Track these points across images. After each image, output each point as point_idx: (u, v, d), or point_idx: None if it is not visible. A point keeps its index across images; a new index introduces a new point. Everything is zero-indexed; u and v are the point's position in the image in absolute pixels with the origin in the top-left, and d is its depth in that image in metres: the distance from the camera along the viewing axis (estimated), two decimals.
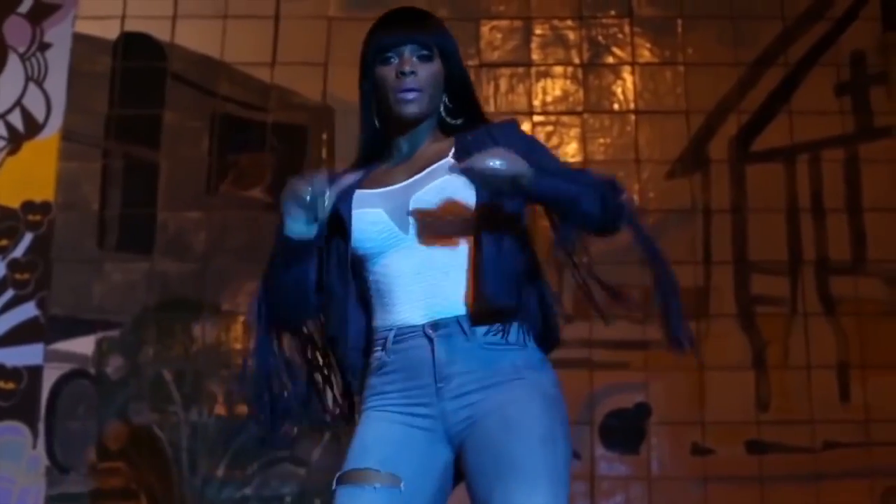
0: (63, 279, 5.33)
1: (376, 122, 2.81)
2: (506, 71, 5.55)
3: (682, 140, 5.44)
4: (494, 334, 2.63)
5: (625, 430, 5.18)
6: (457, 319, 2.62)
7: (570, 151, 5.44)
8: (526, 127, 5.42)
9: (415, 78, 2.71)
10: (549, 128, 5.47)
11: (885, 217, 5.36)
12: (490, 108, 5.46)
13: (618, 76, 5.54)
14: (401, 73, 2.70)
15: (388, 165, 2.81)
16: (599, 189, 2.68)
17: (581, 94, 5.52)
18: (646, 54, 5.56)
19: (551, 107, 5.50)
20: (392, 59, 2.73)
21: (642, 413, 5.18)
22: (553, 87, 5.53)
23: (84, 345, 5.26)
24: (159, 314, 5.28)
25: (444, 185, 2.65)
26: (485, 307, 2.62)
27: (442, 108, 2.82)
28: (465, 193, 2.63)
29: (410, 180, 2.71)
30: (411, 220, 2.66)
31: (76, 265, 5.35)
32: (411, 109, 2.73)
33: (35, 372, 5.22)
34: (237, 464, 5.12)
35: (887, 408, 5.14)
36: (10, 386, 5.20)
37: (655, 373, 5.19)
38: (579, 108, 5.50)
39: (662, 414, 5.18)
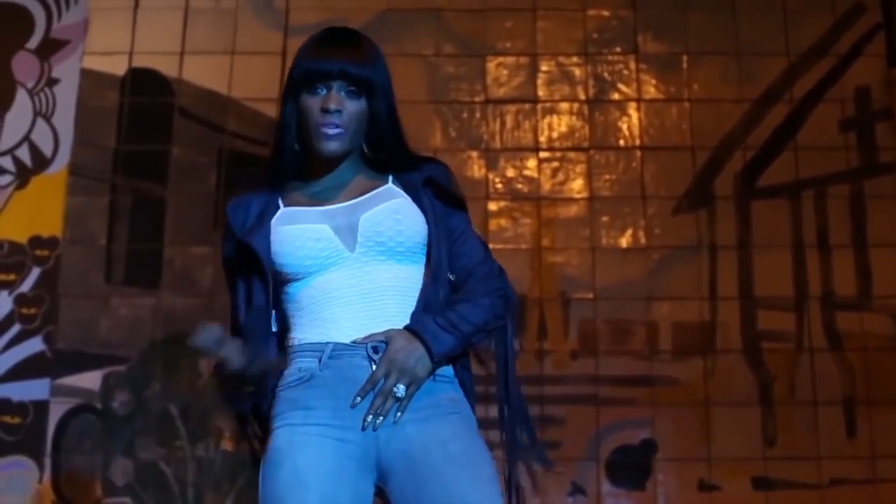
0: (70, 314, 5.33)
1: (296, 146, 2.69)
2: (512, 107, 5.57)
3: (687, 176, 5.45)
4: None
5: (631, 466, 5.17)
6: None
7: (575, 187, 5.45)
8: (532, 163, 5.45)
9: (339, 116, 2.61)
10: (555, 164, 5.48)
11: (890, 253, 5.37)
12: (496, 143, 5.49)
13: (623, 112, 5.55)
14: (325, 110, 2.61)
15: (308, 189, 2.71)
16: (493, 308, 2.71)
17: (587, 130, 5.53)
18: (651, 91, 5.58)
19: (557, 143, 5.52)
20: (319, 91, 2.63)
21: (648, 449, 5.17)
22: (559, 124, 5.55)
23: (90, 380, 5.26)
24: (166, 349, 5.28)
25: (397, 207, 2.63)
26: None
27: (364, 143, 2.72)
28: (416, 218, 2.63)
29: (352, 202, 2.65)
30: (360, 238, 2.59)
31: (83, 300, 5.36)
32: (332, 147, 2.63)
33: (41, 406, 5.22)
34: (243, 499, 5.11)
35: (893, 444, 5.14)
36: (17, 420, 5.20)
37: (661, 409, 5.19)
38: (585, 144, 5.51)
39: (669, 450, 5.17)
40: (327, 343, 2.57)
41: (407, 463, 2.50)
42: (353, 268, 2.59)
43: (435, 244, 2.65)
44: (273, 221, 2.64)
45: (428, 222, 2.66)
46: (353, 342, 2.56)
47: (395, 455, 2.51)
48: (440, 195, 2.73)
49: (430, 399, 2.56)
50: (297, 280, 2.62)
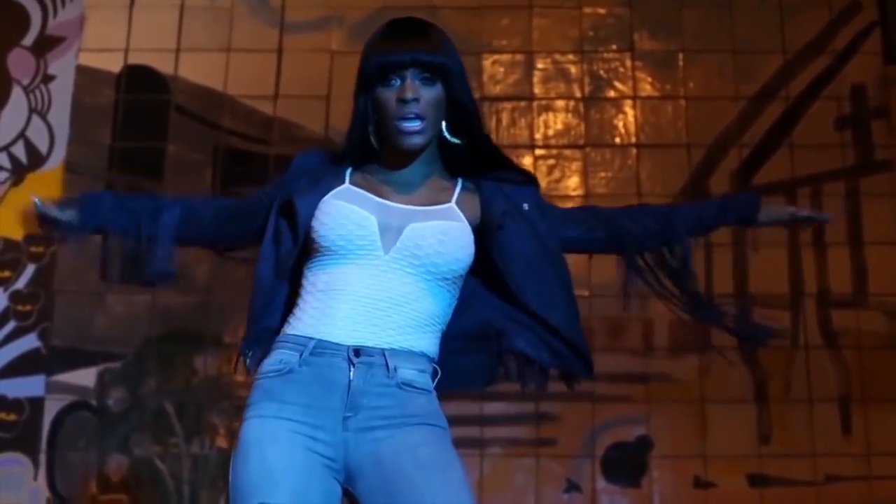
0: (65, 311, 5.33)
1: (373, 141, 2.68)
2: (508, 104, 5.57)
3: (683, 173, 5.46)
4: (414, 377, 2.58)
5: (626, 463, 5.17)
6: (382, 352, 2.54)
7: (571, 185, 5.45)
8: (528, 161, 5.45)
9: (417, 105, 2.58)
10: (551, 161, 5.48)
11: (886, 250, 5.37)
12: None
13: (619, 110, 5.56)
14: (402, 101, 2.58)
15: (382, 176, 2.70)
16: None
17: (583, 127, 5.54)
18: (647, 88, 5.58)
19: (553, 140, 5.52)
20: (394, 82, 2.61)
21: (644, 446, 5.18)
22: (555, 121, 5.55)
23: (86, 376, 5.26)
24: (161, 346, 5.29)
25: (446, 229, 2.60)
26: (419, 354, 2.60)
27: (444, 126, 2.67)
28: (461, 247, 2.61)
29: (411, 207, 2.63)
30: (399, 244, 2.57)
31: (78, 297, 5.36)
32: (413, 141, 2.61)
33: (37, 403, 5.22)
34: None
35: (888, 441, 5.14)
36: (12, 417, 5.21)
37: (657, 406, 5.20)
38: (581, 142, 5.51)
39: (664, 447, 5.18)
40: (311, 339, 2.55)
41: (376, 467, 2.50)
42: (378, 269, 2.57)
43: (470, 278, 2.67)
44: (332, 193, 2.63)
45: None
46: (334, 344, 2.54)
47: (364, 458, 2.51)
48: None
49: (403, 408, 2.55)
50: (321, 257, 2.61)
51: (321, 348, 2.54)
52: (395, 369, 2.54)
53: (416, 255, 2.57)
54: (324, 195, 2.63)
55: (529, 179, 2.82)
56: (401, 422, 2.53)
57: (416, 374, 2.57)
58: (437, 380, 2.64)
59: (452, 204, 2.67)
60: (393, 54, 2.61)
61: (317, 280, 2.61)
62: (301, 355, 2.55)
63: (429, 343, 2.62)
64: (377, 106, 2.64)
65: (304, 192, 2.65)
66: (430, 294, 2.61)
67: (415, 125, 2.60)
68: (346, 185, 2.66)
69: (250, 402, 2.57)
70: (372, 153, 2.70)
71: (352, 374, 2.52)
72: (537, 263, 2.71)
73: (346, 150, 2.73)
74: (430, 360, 2.62)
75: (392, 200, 2.64)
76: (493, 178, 2.74)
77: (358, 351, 2.53)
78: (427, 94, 2.60)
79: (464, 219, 2.65)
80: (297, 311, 2.63)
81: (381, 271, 2.57)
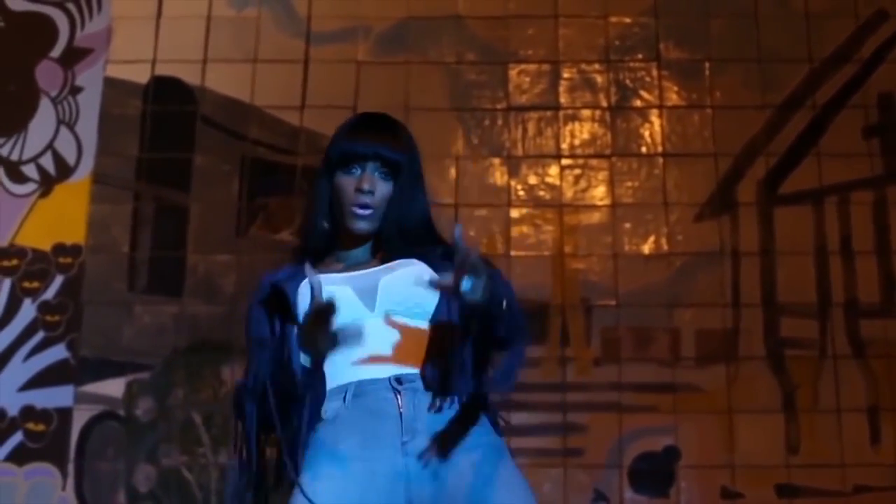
0: (93, 321, 5.35)
1: (325, 224, 2.83)
2: (534, 114, 5.57)
3: (710, 183, 5.44)
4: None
5: (654, 474, 5.15)
6: (420, 376, 2.63)
7: (598, 195, 5.45)
8: (554, 170, 5.46)
9: (371, 196, 2.75)
10: (577, 171, 5.48)
11: None
12: (518, 150, 5.50)
13: (645, 119, 5.55)
14: (359, 190, 2.74)
15: (336, 259, 2.83)
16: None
17: (609, 137, 5.53)
18: (673, 97, 5.57)
19: (579, 150, 5.51)
20: (354, 171, 2.77)
21: (671, 456, 5.16)
22: (581, 131, 5.55)
23: (114, 387, 5.27)
24: (189, 356, 5.30)
25: (414, 272, 2.68)
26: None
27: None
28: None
29: (377, 268, 2.74)
30: (378, 299, 2.66)
31: (106, 307, 5.38)
32: (363, 226, 2.77)
33: (65, 414, 5.23)
34: None
35: None
36: (41, 428, 5.22)
37: (684, 416, 5.17)
38: (607, 152, 5.51)
39: (692, 457, 5.15)
40: (350, 383, 2.61)
41: (439, 489, 2.53)
42: (373, 324, 2.63)
43: (444, 305, 2.70)
44: (301, 285, 2.69)
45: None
46: (373, 380, 2.60)
47: (425, 483, 2.54)
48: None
49: None
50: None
51: (362, 388, 2.61)
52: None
53: (397, 302, 2.67)
54: (296, 287, 2.70)
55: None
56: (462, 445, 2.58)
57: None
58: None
59: (413, 259, 2.75)
60: (358, 144, 2.80)
61: None
62: (344, 400, 2.61)
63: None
64: (335, 189, 2.80)
65: (287, 283, 2.73)
66: (426, 325, 2.70)
67: (366, 211, 2.75)
68: (310, 276, 2.68)
69: (306, 459, 2.61)
70: (326, 241, 2.84)
71: (400, 401, 2.58)
72: None
73: (303, 242, 2.89)
74: None
75: (354, 271, 2.76)
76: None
77: (399, 379, 2.60)
78: (383, 189, 2.77)
79: (422, 264, 2.72)
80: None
81: (379, 323, 2.65)
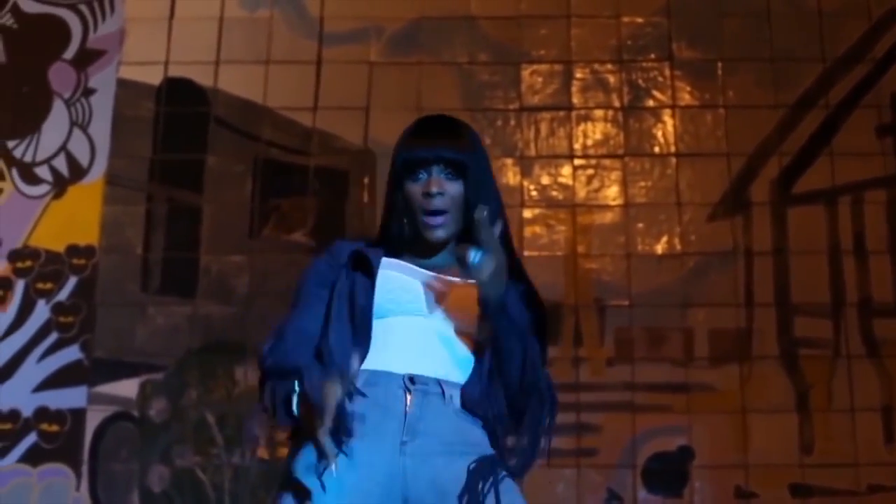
0: (107, 322, 5.36)
1: (406, 229, 2.79)
2: (546, 114, 5.57)
3: (723, 182, 5.44)
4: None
5: (668, 474, 5.15)
6: (437, 381, 2.62)
7: (611, 195, 5.44)
8: (567, 171, 5.46)
9: (441, 198, 2.73)
10: (590, 171, 5.48)
11: None
12: (531, 151, 5.50)
13: (658, 119, 5.54)
14: (427, 194, 2.73)
15: (413, 261, 2.81)
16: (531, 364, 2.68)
17: (622, 137, 5.53)
18: (686, 97, 5.56)
19: (592, 150, 5.51)
20: (421, 176, 2.75)
21: (685, 456, 5.15)
22: (594, 131, 5.54)
23: (127, 387, 5.28)
24: (202, 357, 5.30)
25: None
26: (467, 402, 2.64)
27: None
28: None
29: (454, 279, 2.73)
30: (442, 306, 2.68)
31: (120, 308, 5.39)
32: (438, 234, 2.75)
33: (79, 414, 5.25)
34: None
35: None
36: (55, 428, 5.23)
37: (698, 416, 5.17)
38: (620, 152, 5.50)
39: (705, 457, 5.15)
40: (364, 371, 2.60)
41: (437, 493, 2.52)
42: (424, 322, 2.67)
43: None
44: (378, 264, 2.72)
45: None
46: (388, 373, 2.60)
47: (423, 485, 2.53)
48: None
49: (461, 436, 2.60)
50: (375, 318, 2.68)
51: (376, 377, 2.59)
52: (451, 397, 2.62)
53: (458, 319, 2.68)
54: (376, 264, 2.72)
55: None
56: (460, 450, 2.57)
57: None
58: None
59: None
60: (420, 150, 2.78)
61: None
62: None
63: None
64: (406, 198, 2.77)
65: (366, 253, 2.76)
66: (469, 344, 2.71)
67: (438, 220, 2.74)
68: (386, 258, 2.75)
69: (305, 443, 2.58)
70: (403, 245, 2.81)
71: (408, 400, 2.58)
72: None
73: (380, 240, 2.86)
74: None
75: (430, 271, 2.75)
76: None
77: (413, 378, 2.59)
78: (452, 189, 2.74)
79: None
80: None
81: (427, 324, 2.67)
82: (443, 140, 2.80)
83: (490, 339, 2.65)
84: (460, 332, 2.69)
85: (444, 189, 2.73)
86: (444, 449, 2.56)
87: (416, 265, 2.78)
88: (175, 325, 5.36)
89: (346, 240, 2.93)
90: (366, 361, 2.61)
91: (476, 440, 2.62)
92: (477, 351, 2.70)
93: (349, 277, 2.72)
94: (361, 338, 2.65)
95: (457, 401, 2.63)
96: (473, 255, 2.51)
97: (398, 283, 2.69)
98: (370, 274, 2.69)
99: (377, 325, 2.66)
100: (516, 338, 2.63)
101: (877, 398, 5.19)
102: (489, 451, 2.63)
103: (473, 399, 2.64)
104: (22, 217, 5.50)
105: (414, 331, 2.66)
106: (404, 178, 2.77)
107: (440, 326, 2.67)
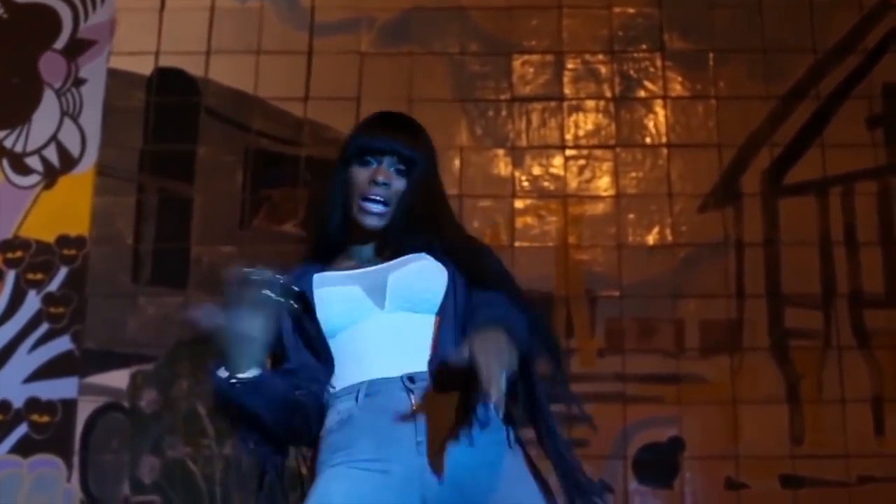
0: (97, 313, 5.35)
1: (338, 219, 2.83)
2: (538, 105, 5.56)
3: (714, 173, 5.44)
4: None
5: (658, 465, 5.16)
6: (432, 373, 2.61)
7: (602, 185, 5.44)
8: (558, 161, 5.45)
9: (386, 189, 2.76)
10: (582, 161, 5.48)
11: None
12: (522, 141, 5.49)
13: (650, 110, 5.54)
14: (373, 182, 2.76)
15: (346, 256, 2.84)
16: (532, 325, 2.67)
17: (613, 127, 5.52)
18: (677, 88, 5.56)
19: (583, 141, 5.51)
20: (370, 164, 2.79)
21: (676, 447, 5.16)
22: (585, 121, 5.54)
23: (118, 378, 5.28)
24: (193, 348, 5.29)
25: (423, 266, 2.71)
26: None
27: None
28: (440, 276, 2.70)
29: (385, 265, 2.74)
30: (388, 296, 2.67)
31: (110, 299, 5.38)
32: (373, 222, 2.78)
33: (69, 405, 5.24)
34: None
35: None
36: (45, 419, 5.23)
37: (689, 407, 5.18)
38: (611, 142, 5.50)
39: (696, 448, 5.16)
40: (362, 382, 2.61)
41: (456, 488, 2.52)
42: (383, 321, 2.66)
43: (451, 296, 2.70)
44: (312, 286, 2.71)
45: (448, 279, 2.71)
46: (385, 378, 2.59)
47: (442, 483, 2.52)
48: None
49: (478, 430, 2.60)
50: (335, 335, 2.68)
51: (375, 387, 2.59)
52: None
53: (406, 298, 2.67)
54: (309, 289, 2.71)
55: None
56: (474, 440, 2.56)
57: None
58: None
59: (420, 253, 2.75)
60: (376, 139, 2.82)
61: (337, 350, 2.68)
62: (357, 399, 2.60)
63: None
64: (348, 181, 2.80)
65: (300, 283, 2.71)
66: (435, 319, 2.70)
67: (377, 208, 2.76)
68: (318, 275, 2.75)
69: (318, 462, 2.62)
70: (337, 237, 2.84)
71: (413, 400, 2.56)
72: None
73: (315, 238, 2.92)
74: None
75: (363, 267, 2.76)
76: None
77: (412, 378, 2.59)
78: (397, 184, 2.78)
79: (429, 257, 2.74)
80: (333, 381, 2.68)
81: (387, 321, 2.66)
82: (399, 134, 2.84)
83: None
84: (420, 314, 2.68)
85: (390, 181, 2.77)
86: (458, 442, 2.54)
87: (350, 257, 2.82)
88: (166, 315, 5.36)
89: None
90: (354, 374, 2.62)
91: (489, 431, 2.60)
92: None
93: (290, 316, 2.69)
94: (323, 360, 2.67)
95: None
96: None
97: (336, 296, 2.69)
98: (307, 302, 2.68)
99: (336, 343, 2.67)
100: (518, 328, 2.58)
101: (867, 389, 5.20)
102: (500, 432, 2.62)
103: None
104: (12, 207, 5.49)
105: (378, 332, 2.65)
106: (352, 163, 2.81)
107: (400, 318, 2.66)
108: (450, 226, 2.89)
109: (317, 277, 2.74)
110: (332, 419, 2.63)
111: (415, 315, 2.67)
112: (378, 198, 2.76)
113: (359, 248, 2.84)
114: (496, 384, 2.30)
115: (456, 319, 2.67)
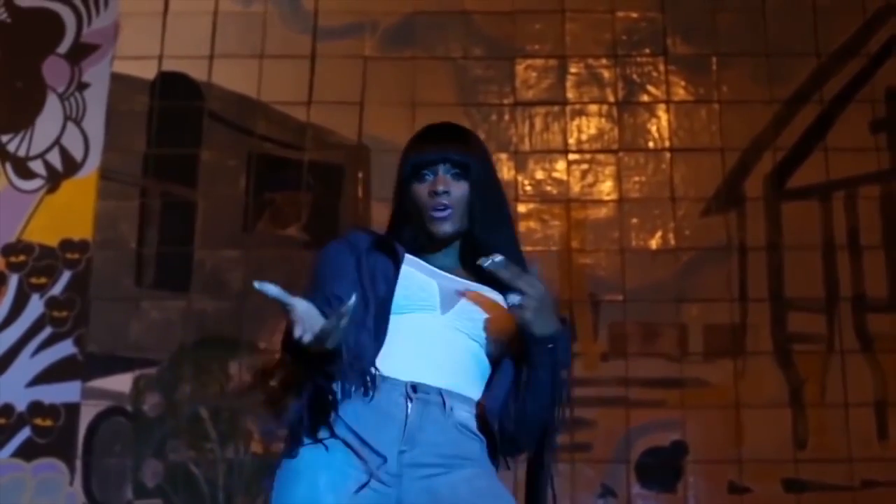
0: (100, 317, 5.35)
1: (413, 232, 2.84)
2: (541, 109, 5.57)
3: (717, 177, 5.44)
4: (469, 420, 2.66)
5: (661, 469, 5.15)
6: (439, 391, 2.62)
7: (605, 189, 5.45)
8: (561, 165, 5.46)
9: (447, 196, 2.77)
10: (585, 166, 5.48)
11: None
12: (525, 146, 5.49)
13: (653, 114, 5.54)
14: (433, 192, 2.77)
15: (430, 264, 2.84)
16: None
17: (616, 132, 5.53)
18: (680, 92, 5.56)
19: (586, 145, 5.51)
20: (427, 177, 2.80)
21: (679, 451, 5.16)
22: (588, 126, 5.54)
23: (121, 382, 5.28)
24: (196, 352, 5.30)
25: (496, 310, 2.71)
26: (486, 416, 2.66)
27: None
28: (504, 326, 2.69)
29: (466, 281, 2.77)
30: (454, 311, 2.69)
31: (114, 303, 5.38)
32: (444, 228, 2.78)
33: (72, 409, 5.24)
34: None
35: None
36: (48, 423, 5.23)
37: (692, 411, 5.18)
38: (614, 147, 5.50)
39: (699, 452, 5.15)
40: (408, 382, 2.62)
41: (433, 499, 2.54)
42: (435, 323, 2.68)
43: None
44: (402, 260, 2.74)
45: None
46: (392, 379, 2.60)
47: (419, 493, 2.55)
48: None
49: (458, 449, 2.62)
50: (397, 313, 2.68)
51: (379, 382, 2.59)
52: (452, 409, 2.62)
53: (466, 324, 2.69)
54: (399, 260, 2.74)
55: None
56: (456, 463, 2.59)
57: (470, 417, 2.66)
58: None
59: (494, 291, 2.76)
60: (426, 151, 2.83)
61: (397, 327, 2.67)
62: (406, 397, 2.61)
63: (480, 395, 2.70)
64: (412, 199, 2.81)
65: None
66: (481, 356, 2.72)
67: (444, 213, 2.77)
68: (408, 255, 2.77)
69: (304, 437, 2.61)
70: (411, 249, 2.82)
71: (409, 408, 2.58)
72: None
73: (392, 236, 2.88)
74: None
75: (443, 272, 2.78)
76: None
77: (415, 387, 2.59)
78: (457, 189, 2.80)
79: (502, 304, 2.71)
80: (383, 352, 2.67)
81: (438, 326, 2.67)
82: (448, 142, 2.85)
83: (520, 363, 2.66)
84: (470, 339, 2.70)
85: (449, 187, 2.77)
86: (440, 461, 2.58)
87: (429, 264, 2.81)
88: (169, 319, 5.36)
89: (361, 231, 2.94)
90: (405, 365, 2.63)
91: (473, 454, 2.64)
92: (493, 362, 2.73)
93: (370, 263, 2.72)
94: (379, 332, 2.64)
95: (457, 413, 2.63)
96: (510, 300, 2.53)
97: (417, 280, 2.71)
98: (395, 263, 2.71)
99: (391, 321, 2.66)
100: (549, 376, 2.64)
101: (870, 393, 5.20)
102: (486, 464, 2.66)
103: (493, 412, 2.66)
104: (16, 211, 5.49)
105: (424, 330, 2.66)
106: (412, 182, 2.81)
107: (450, 329, 2.68)
108: (507, 245, 2.83)
109: (408, 256, 2.76)
110: (358, 395, 2.60)
111: (466, 338, 2.69)
112: (441, 205, 2.77)
113: (436, 257, 2.84)
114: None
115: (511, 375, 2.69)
